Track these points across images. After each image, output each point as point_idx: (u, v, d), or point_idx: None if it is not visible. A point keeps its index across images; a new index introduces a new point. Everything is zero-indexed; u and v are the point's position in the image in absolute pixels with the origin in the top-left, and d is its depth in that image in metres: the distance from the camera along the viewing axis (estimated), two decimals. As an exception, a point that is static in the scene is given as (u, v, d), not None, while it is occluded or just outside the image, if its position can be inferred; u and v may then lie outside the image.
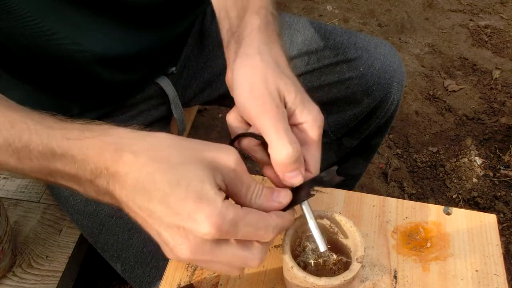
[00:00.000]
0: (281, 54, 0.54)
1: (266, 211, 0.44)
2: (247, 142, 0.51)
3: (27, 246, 0.91)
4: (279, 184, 0.50)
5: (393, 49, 0.88)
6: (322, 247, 0.48)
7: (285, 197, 0.45)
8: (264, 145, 0.50)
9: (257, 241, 0.43)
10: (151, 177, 0.40)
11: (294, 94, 0.50)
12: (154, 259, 0.71)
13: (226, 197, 0.43)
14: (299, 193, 0.48)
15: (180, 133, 0.91)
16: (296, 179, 0.48)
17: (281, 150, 0.47)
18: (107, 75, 0.72)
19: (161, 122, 0.88)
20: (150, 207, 0.40)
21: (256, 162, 0.55)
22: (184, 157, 0.41)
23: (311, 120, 0.50)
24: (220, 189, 0.41)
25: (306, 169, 0.50)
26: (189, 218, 0.39)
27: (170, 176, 0.40)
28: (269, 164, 0.49)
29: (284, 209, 0.46)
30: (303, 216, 0.50)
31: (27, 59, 0.66)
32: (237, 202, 0.43)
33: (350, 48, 0.84)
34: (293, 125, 0.50)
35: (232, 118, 0.53)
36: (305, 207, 0.49)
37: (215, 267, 0.43)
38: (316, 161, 0.51)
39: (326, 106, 0.89)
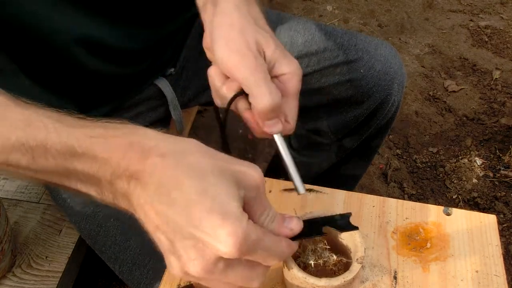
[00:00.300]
0: (258, 12, 0.55)
1: None
2: (240, 105, 0.53)
3: (27, 247, 0.91)
4: (258, 131, 0.52)
5: (393, 50, 0.88)
6: (301, 189, 0.49)
7: (297, 224, 0.44)
8: (246, 94, 0.51)
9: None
10: (178, 181, 0.38)
11: (274, 47, 0.52)
12: (152, 261, 0.71)
13: None
14: (310, 229, 0.47)
15: (179, 134, 0.90)
16: (276, 127, 0.50)
17: (261, 99, 0.48)
18: (102, 67, 0.72)
19: (160, 124, 0.88)
20: (170, 213, 0.38)
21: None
22: (214, 166, 0.39)
23: (291, 72, 0.52)
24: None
25: (285, 120, 0.52)
26: (211, 233, 0.37)
27: (198, 184, 0.38)
28: (250, 110, 0.51)
29: (292, 239, 0.45)
30: (279, 154, 0.51)
31: (14, 46, 0.66)
32: None
33: (350, 49, 0.84)
34: (273, 77, 0.52)
35: (213, 72, 0.54)
36: (279, 141, 0.51)
37: (216, 286, 0.41)
38: (294, 113, 0.53)
39: (326, 108, 0.89)
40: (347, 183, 1.09)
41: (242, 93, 0.52)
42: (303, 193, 0.51)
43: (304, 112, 0.91)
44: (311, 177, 1.06)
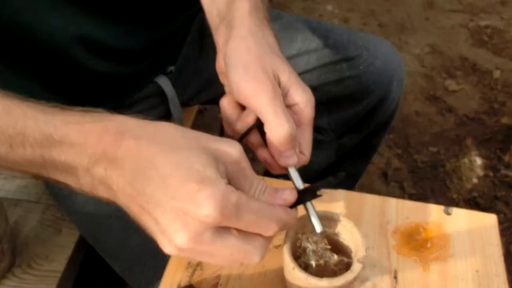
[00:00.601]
0: (272, 37, 0.55)
1: None
2: (254, 138, 0.52)
3: (26, 246, 0.91)
4: (275, 167, 0.50)
5: (393, 48, 0.88)
6: (318, 227, 0.47)
7: (290, 194, 0.44)
8: (259, 129, 0.50)
9: (259, 234, 0.41)
10: (152, 159, 0.38)
11: (288, 74, 0.51)
12: (153, 259, 0.71)
13: None
14: (305, 194, 0.47)
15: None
16: (291, 160, 0.49)
17: (279, 129, 0.47)
18: (101, 66, 0.72)
19: (159, 122, 0.87)
20: (149, 191, 0.38)
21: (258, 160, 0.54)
22: (187, 143, 0.40)
23: (304, 102, 0.51)
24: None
25: (300, 151, 0.51)
26: (189, 199, 0.37)
27: (171, 158, 0.38)
28: (263, 146, 0.50)
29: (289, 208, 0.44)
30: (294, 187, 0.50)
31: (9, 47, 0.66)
32: None
33: (349, 46, 0.84)
34: (287, 106, 0.51)
35: (226, 103, 0.53)
36: (294, 175, 0.49)
37: (213, 260, 0.41)
38: (309, 143, 0.52)
39: (325, 105, 0.89)
40: (347, 182, 1.09)
41: (256, 126, 0.51)
42: (320, 231, 0.47)
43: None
44: (311, 176, 1.06)
